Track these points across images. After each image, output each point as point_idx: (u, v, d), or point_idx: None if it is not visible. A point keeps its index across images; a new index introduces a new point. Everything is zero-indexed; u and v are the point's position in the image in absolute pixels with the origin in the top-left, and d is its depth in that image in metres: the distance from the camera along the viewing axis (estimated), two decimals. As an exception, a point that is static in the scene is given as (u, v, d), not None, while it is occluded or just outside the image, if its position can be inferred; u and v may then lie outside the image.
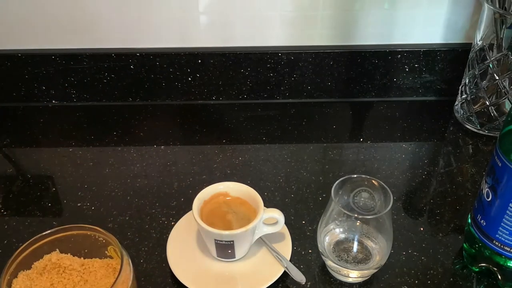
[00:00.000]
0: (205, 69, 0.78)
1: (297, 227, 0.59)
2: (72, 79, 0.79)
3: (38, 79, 0.78)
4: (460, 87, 0.77)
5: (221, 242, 0.51)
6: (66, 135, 0.75)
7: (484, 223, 0.50)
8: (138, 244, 0.57)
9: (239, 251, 0.53)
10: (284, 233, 0.57)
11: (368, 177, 0.52)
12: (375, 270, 0.52)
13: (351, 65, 0.78)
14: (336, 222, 0.52)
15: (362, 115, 0.80)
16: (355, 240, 0.54)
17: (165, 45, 0.77)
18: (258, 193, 0.54)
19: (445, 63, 0.79)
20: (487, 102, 0.72)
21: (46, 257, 0.45)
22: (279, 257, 0.52)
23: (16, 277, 0.42)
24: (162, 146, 0.72)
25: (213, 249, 0.53)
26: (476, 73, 0.71)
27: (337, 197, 0.52)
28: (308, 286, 0.53)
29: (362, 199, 0.53)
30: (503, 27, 0.66)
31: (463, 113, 0.76)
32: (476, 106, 0.74)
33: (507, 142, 0.46)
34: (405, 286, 0.53)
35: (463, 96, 0.75)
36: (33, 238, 0.44)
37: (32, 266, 0.44)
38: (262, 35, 0.77)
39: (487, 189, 0.49)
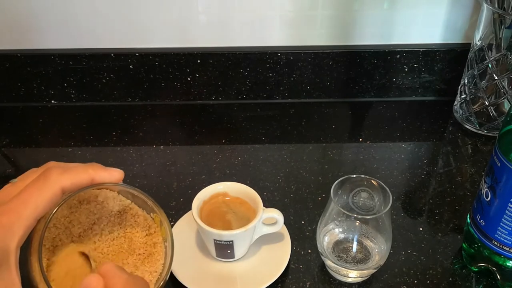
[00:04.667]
0: (204, 69, 0.78)
1: (297, 227, 0.59)
2: (71, 79, 0.79)
3: (37, 79, 0.78)
4: (459, 87, 0.77)
5: (220, 242, 0.51)
6: (65, 135, 0.75)
7: (483, 223, 0.50)
8: (138, 244, 0.57)
9: (239, 251, 0.53)
10: (283, 233, 0.57)
11: (368, 177, 0.52)
12: (374, 270, 0.52)
13: (350, 65, 0.78)
14: (336, 222, 0.52)
15: (361, 115, 0.80)
16: (355, 240, 0.54)
17: (164, 45, 0.77)
18: (258, 193, 0.54)
19: (444, 63, 0.79)
20: (486, 102, 0.72)
21: (93, 191, 0.42)
22: None
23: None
24: (162, 146, 0.72)
25: (212, 249, 0.53)
26: (475, 73, 0.71)
27: (336, 197, 0.52)
28: (307, 286, 0.53)
29: (362, 199, 0.53)
30: (502, 27, 0.66)
31: (462, 113, 0.77)
32: (475, 106, 0.74)
33: (506, 142, 0.46)
34: (404, 286, 0.53)
35: (462, 96, 0.76)
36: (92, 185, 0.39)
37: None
38: (261, 35, 0.77)
39: (486, 189, 0.49)
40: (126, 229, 0.41)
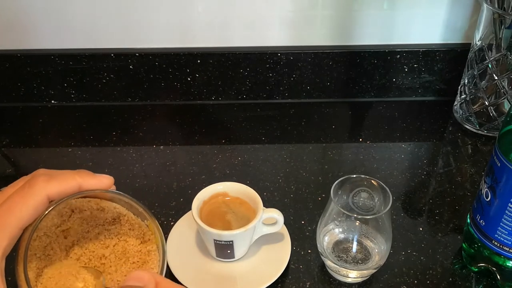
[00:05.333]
0: (204, 69, 0.78)
1: (297, 227, 0.59)
2: (71, 79, 0.79)
3: (37, 79, 0.78)
4: (459, 87, 0.77)
5: (220, 242, 0.51)
6: (65, 135, 0.75)
7: (483, 223, 0.50)
8: (138, 244, 0.57)
9: (239, 251, 0.53)
10: (283, 233, 0.57)
11: (368, 177, 0.52)
12: (374, 270, 0.52)
13: (350, 65, 0.78)
14: (336, 222, 0.52)
15: (361, 115, 0.80)
16: (354, 240, 0.54)
17: (164, 45, 0.77)
18: (258, 193, 0.54)
19: (444, 63, 0.79)
20: (486, 102, 0.72)
21: (86, 199, 0.40)
22: None
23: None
24: (161, 146, 0.72)
25: (212, 249, 0.53)
26: (475, 73, 0.71)
27: (336, 197, 0.52)
28: (307, 286, 0.53)
29: (362, 199, 0.53)
30: (502, 27, 0.66)
31: (462, 113, 0.77)
32: (475, 106, 0.74)
33: (506, 142, 0.46)
34: (404, 286, 0.53)
35: (462, 96, 0.76)
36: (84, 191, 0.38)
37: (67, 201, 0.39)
38: (261, 35, 0.77)
39: (486, 189, 0.49)
40: (121, 237, 0.41)
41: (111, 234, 0.40)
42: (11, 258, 0.34)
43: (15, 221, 0.33)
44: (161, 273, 0.40)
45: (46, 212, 0.35)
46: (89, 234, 0.40)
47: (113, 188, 0.39)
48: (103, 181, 0.38)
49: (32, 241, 0.36)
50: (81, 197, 0.38)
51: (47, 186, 0.34)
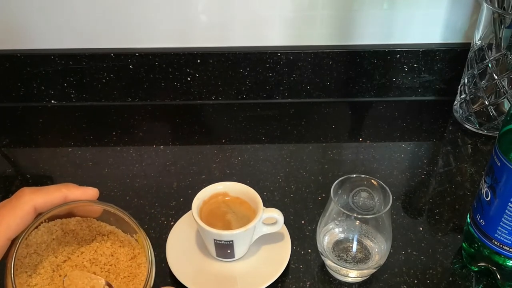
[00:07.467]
0: (204, 69, 0.78)
1: (297, 227, 0.59)
2: (71, 79, 0.79)
3: (37, 79, 0.78)
4: (459, 87, 0.77)
5: (220, 242, 0.51)
6: (65, 135, 0.75)
7: (483, 223, 0.50)
8: (138, 244, 0.57)
9: (239, 251, 0.53)
10: (283, 233, 0.57)
11: (368, 176, 0.52)
12: (374, 270, 0.52)
13: (350, 65, 0.78)
14: (336, 222, 0.52)
15: (361, 115, 0.80)
16: (355, 240, 0.54)
17: (164, 45, 0.77)
18: (258, 193, 0.54)
19: (444, 63, 0.79)
20: (486, 102, 0.72)
21: (74, 218, 0.41)
22: None
23: (37, 228, 0.38)
24: (161, 146, 0.72)
25: (212, 249, 0.53)
26: (475, 72, 0.71)
27: (336, 197, 0.52)
28: (307, 285, 0.53)
29: (362, 198, 0.53)
30: (502, 26, 0.66)
31: (462, 113, 0.77)
32: (475, 106, 0.74)
33: (506, 141, 0.46)
34: (404, 286, 0.53)
35: (462, 96, 0.76)
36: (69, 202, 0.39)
37: (56, 220, 0.40)
38: (261, 35, 0.77)
39: (486, 189, 0.49)
40: (111, 255, 0.41)
41: (102, 252, 0.41)
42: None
43: (3, 231, 0.34)
44: (149, 284, 0.40)
45: (35, 222, 0.36)
46: (80, 253, 0.40)
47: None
48: (88, 192, 0.39)
49: (23, 258, 0.37)
50: (67, 207, 0.39)
51: (33, 197, 0.35)
